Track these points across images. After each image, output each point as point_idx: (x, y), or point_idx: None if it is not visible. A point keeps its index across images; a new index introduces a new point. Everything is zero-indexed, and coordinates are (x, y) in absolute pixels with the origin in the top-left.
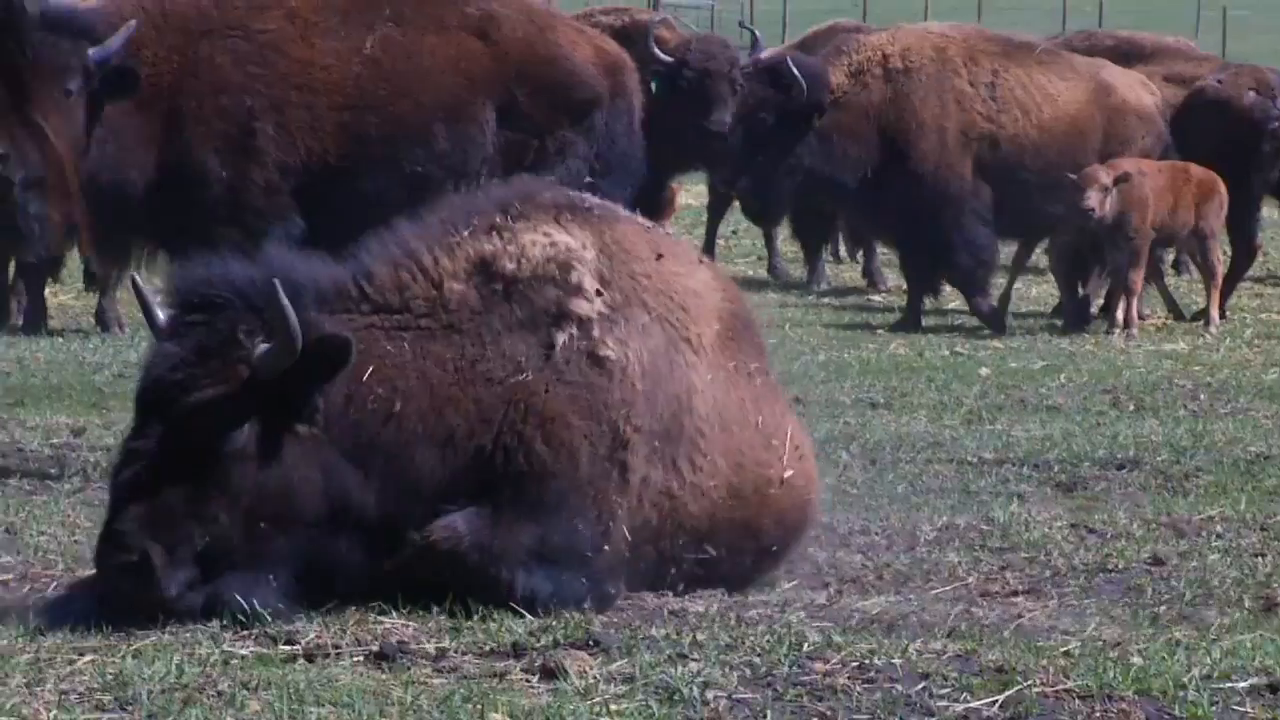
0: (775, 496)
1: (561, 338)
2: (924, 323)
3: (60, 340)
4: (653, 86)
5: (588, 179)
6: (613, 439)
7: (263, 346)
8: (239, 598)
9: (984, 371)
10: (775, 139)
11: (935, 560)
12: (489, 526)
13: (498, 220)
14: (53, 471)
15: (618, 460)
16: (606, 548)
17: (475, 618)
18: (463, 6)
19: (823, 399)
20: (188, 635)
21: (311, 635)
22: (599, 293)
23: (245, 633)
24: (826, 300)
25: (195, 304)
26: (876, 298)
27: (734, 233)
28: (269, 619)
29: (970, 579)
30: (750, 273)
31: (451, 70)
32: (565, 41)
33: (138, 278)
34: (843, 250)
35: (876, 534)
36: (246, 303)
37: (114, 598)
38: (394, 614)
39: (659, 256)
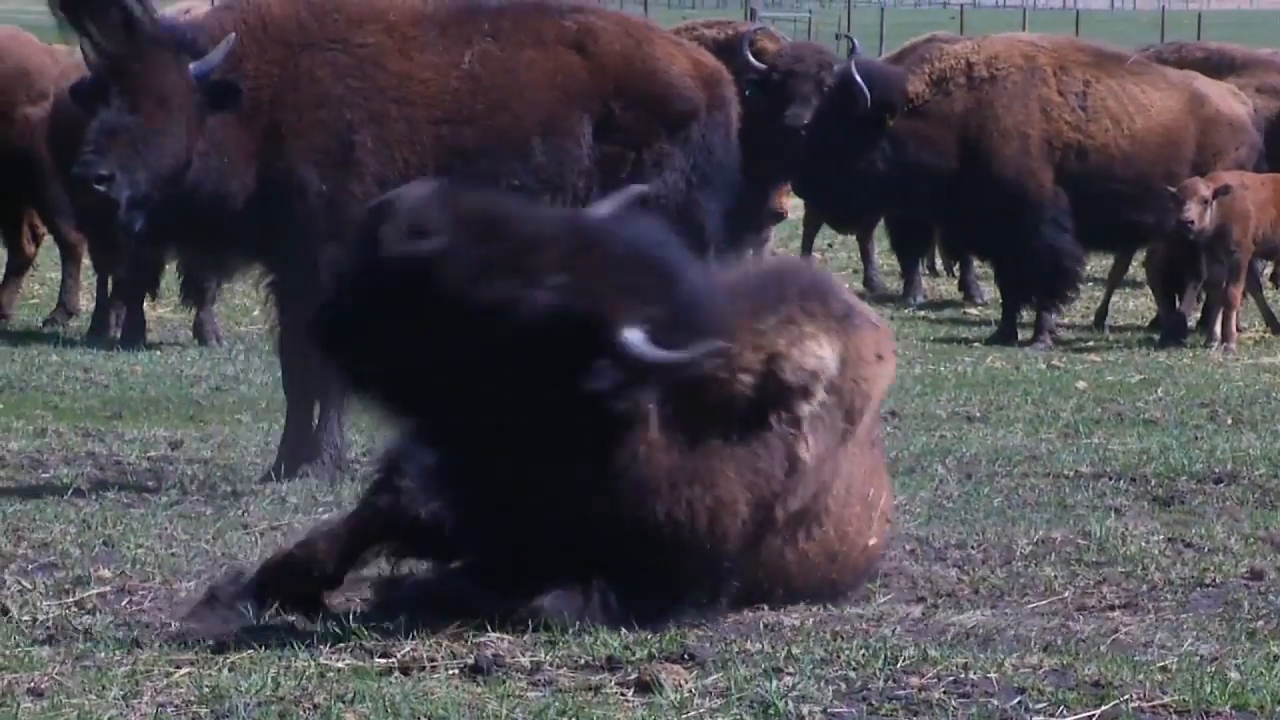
0: (859, 560)
1: (772, 429)
2: (1020, 335)
3: (158, 353)
4: (747, 93)
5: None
6: (763, 522)
7: (636, 335)
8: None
9: (1081, 385)
10: (845, 145)
11: (1031, 574)
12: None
13: (796, 317)
14: (150, 484)
15: (757, 537)
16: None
17: (570, 631)
18: (560, 20)
19: (919, 412)
20: (284, 648)
21: (407, 648)
22: (823, 403)
23: (341, 645)
24: (923, 313)
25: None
26: (973, 310)
27: (829, 245)
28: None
29: (1066, 593)
30: (847, 285)
31: (549, 84)
32: (662, 54)
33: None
34: (939, 263)
35: (972, 548)
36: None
37: None
38: (489, 627)
39: (879, 358)
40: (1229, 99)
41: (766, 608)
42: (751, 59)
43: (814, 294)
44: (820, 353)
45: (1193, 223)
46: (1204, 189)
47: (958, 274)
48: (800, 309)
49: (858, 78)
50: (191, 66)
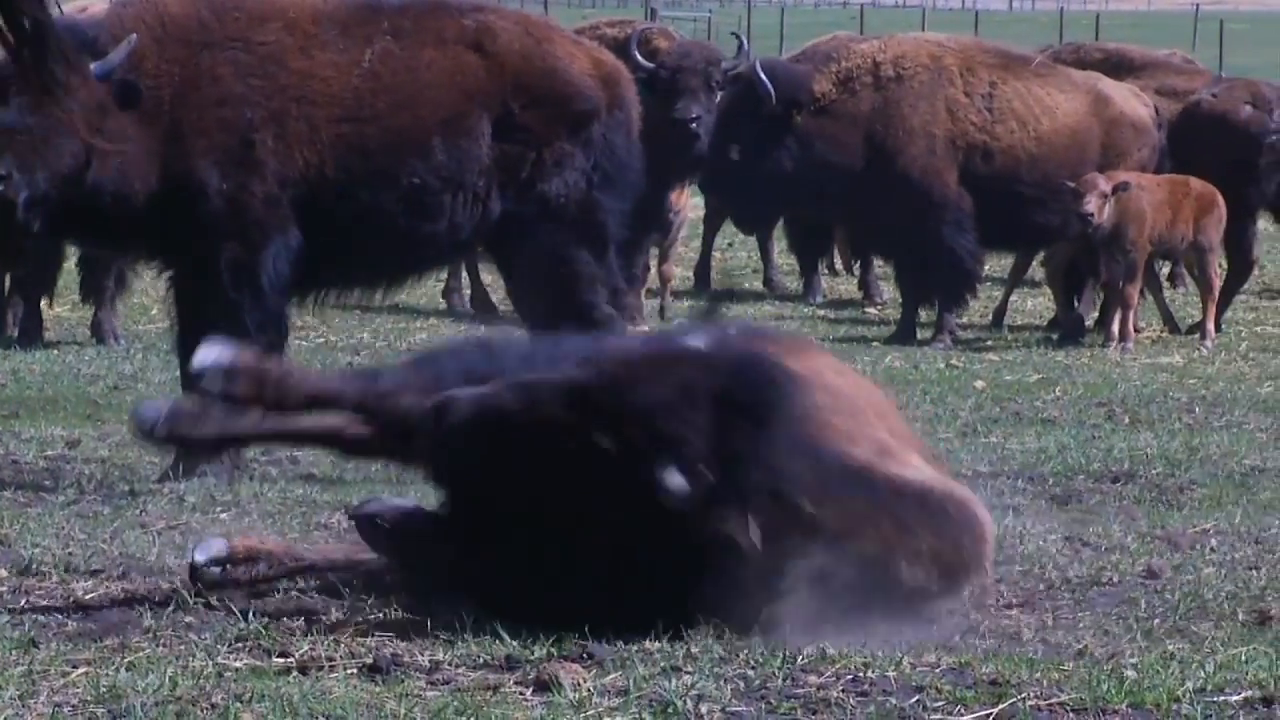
0: None
1: None
2: (918, 335)
3: (55, 352)
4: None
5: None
6: None
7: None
8: None
9: (979, 384)
10: (751, 143)
11: None
12: None
13: None
14: (47, 483)
15: None
16: None
17: (468, 630)
18: (460, 20)
19: None
20: (182, 648)
21: (305, 648)
22: None
23: (239, 645)
24: (822, 313)
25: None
26: (872, 310)
27: (729, 245)
28: None
29: (964, 592)
30: (746, 285)
31: (449, 83)
32: (562, 53)
33: None
34: (838, 263)
35: None
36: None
37: None
38: (387, 627)
39: None
40: (1132, 101)
41: None
42: (639, 57)
43: None
44: None
45: (1091, 215)
46: (1103, 184)
47: (857, 274)
48: None
49: (762, 75)
50: (92, 66)
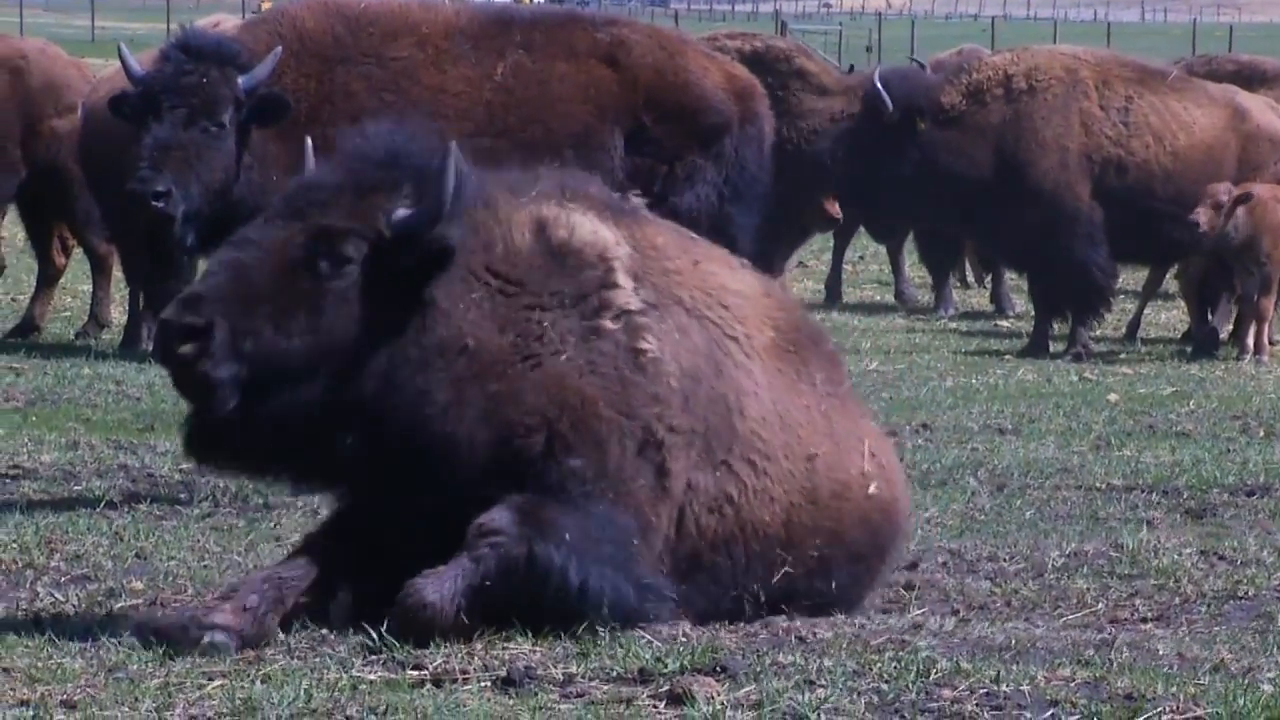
0: (857, 500)
1: (603, 325)
2: (1051, 348)
3: None
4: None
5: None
6: (644, 437)
7: (403, 210)
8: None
9: (1112, 397)
10: (877, 151)
11: (1063, 587)
12: (534, 511)
13: (555, 194)
14: (182, 496)
15: (651, 460)
16: (645, 551)
17: (603, 643)
18: (593, 33)
19: (950, 425)
20: (316, 660)
21: (439, 660)
22: (635, 289)
23: (374, 657)
24: (954, 325)
25: (374, 158)
26: (1004, 323)
27: (860, 258)
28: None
29: (1099, 606)
30: (877, 298)
31: (581, 97)
32: (695, 67)
33: None
34: (970, 275)
35: (1004, 560)
36: (416, 171)
37: (164, 357)
38: (521, 639)
39: (695, 262)
40: (1269, 114)
41: (799, 620)
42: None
43: (570, 186)
44: (594, 229)
45: (1198, 224)
46: (1221, 194)
47: (989, 286)
48: (558, 193)
49: (879, 87)
50: (239, 80)
